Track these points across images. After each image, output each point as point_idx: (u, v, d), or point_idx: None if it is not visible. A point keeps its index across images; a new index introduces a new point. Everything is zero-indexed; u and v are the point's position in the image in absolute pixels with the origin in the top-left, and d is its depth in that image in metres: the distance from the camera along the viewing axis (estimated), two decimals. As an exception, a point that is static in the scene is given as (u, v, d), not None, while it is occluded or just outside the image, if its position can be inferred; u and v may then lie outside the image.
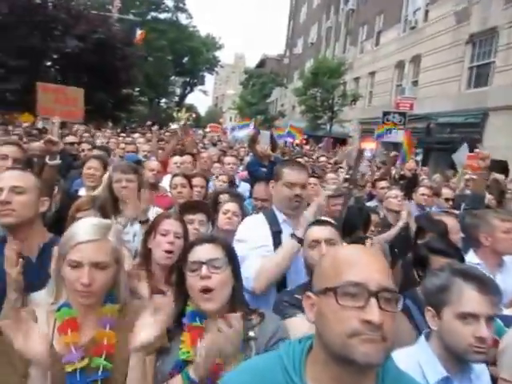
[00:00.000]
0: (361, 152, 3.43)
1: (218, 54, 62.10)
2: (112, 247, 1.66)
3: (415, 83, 21.61)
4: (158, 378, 1.67)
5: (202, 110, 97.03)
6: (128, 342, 1.53)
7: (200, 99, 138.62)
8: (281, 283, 2.60)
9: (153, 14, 51.74)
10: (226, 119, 68.65)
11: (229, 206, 3.44)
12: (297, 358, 1.20)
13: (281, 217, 2.82)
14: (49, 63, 27.57)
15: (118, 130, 17.77)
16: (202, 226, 3.08)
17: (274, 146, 4.69)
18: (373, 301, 1.06)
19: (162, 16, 52.67)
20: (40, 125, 11.79)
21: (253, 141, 4.16)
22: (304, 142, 24.47)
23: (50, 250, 1.94)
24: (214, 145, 14.25)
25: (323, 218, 2.74)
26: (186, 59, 56.69)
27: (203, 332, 1.71)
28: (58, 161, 3.91)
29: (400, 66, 23.79)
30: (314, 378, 1.16)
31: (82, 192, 4.16)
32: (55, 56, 26.46)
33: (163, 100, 58.55)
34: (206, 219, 3.15)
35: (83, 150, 5.95)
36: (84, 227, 1.65)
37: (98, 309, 1.65)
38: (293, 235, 2.57)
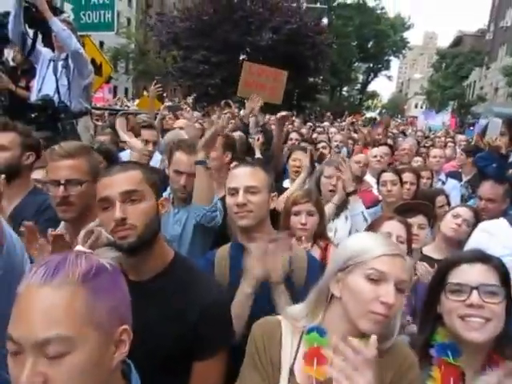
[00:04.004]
0: None
1: (405, 35, 58.51)
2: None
3: None
4: None
5: (385, 97, 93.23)
6: None
7: (383, 85, 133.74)
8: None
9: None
10: (410, 106, 64.71)
11: (461, 210, 3.03)
12: None
13: None
14: (243, 57, 29.97)
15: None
16: (422, 231, 2.85)
17: None
18: None
19: (349, 0, 51.73)
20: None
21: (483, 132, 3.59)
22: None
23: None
24: (404, 134, 13.27)
25: None
26: (370, 43, 54.88)
27: (458, 371, 1.42)
28: None
29: None
30: None
31: (286, 184, 4.12)
32: (248, 50, 28.55)
33: (345, 88, 58.01)
34: (426, 222, 2.89)
35: (291, 139, 5.94)
36: (379, 239, 1.37)
37: None
38: None
